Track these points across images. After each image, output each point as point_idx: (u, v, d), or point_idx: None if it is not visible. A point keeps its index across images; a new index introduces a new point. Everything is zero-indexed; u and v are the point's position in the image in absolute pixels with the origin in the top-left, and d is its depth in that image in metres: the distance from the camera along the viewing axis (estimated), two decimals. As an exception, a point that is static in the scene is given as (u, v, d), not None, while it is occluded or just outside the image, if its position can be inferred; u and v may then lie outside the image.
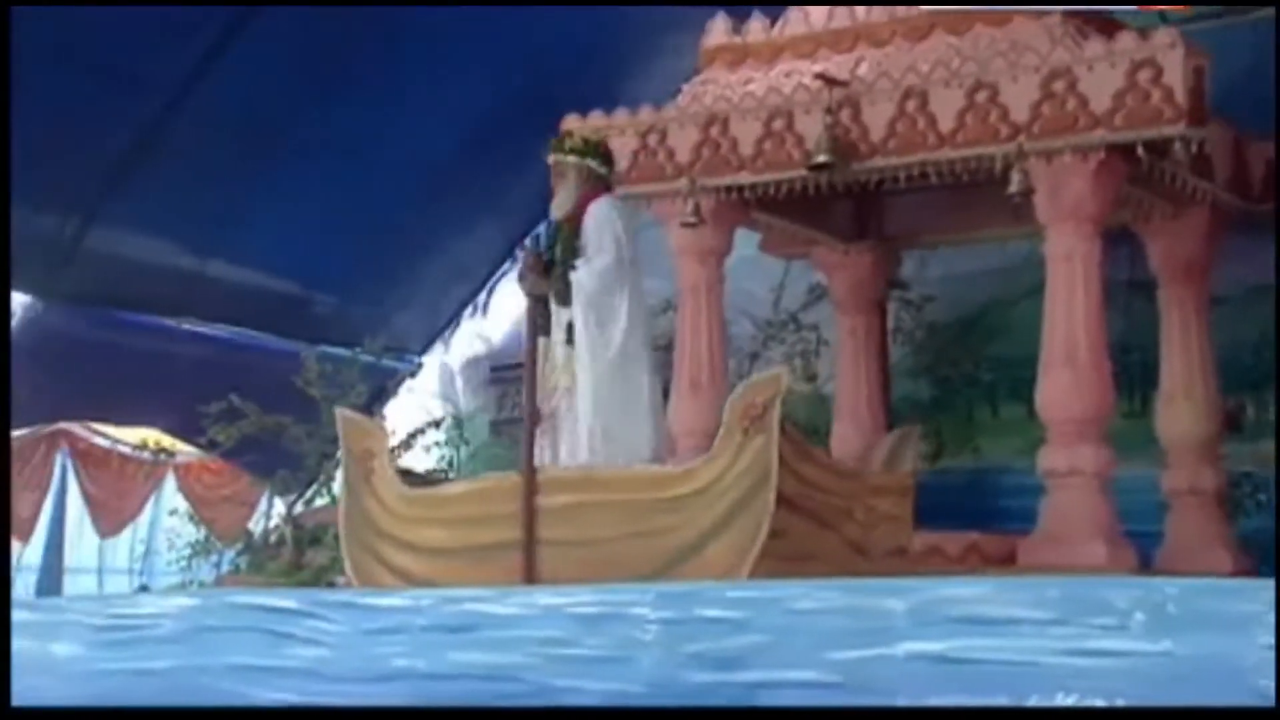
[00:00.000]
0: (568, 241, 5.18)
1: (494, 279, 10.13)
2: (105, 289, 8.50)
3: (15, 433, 8.72)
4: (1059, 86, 5.19)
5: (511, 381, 9.36)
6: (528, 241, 5.33)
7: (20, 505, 8.83)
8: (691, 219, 5.68)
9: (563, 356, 5.15)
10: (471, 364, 9.88)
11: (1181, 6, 5.36)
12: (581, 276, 5.11)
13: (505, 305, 10.08)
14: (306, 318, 9.29)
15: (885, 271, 6.92)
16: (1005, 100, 5.26)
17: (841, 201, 6.49)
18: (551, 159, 5.32)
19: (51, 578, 8.99)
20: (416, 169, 8.74)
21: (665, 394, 5.65)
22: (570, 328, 5.14)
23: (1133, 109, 5.08)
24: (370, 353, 8.57)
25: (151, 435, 9.40)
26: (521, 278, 5.23)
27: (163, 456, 9.44)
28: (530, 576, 4.69)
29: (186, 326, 9.00)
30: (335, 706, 4.41)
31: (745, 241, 6.57)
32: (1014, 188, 5.15)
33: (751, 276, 7.72)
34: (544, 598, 4.00)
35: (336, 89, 8.09)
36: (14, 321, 8.41)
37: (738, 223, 6.14)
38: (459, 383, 9.75)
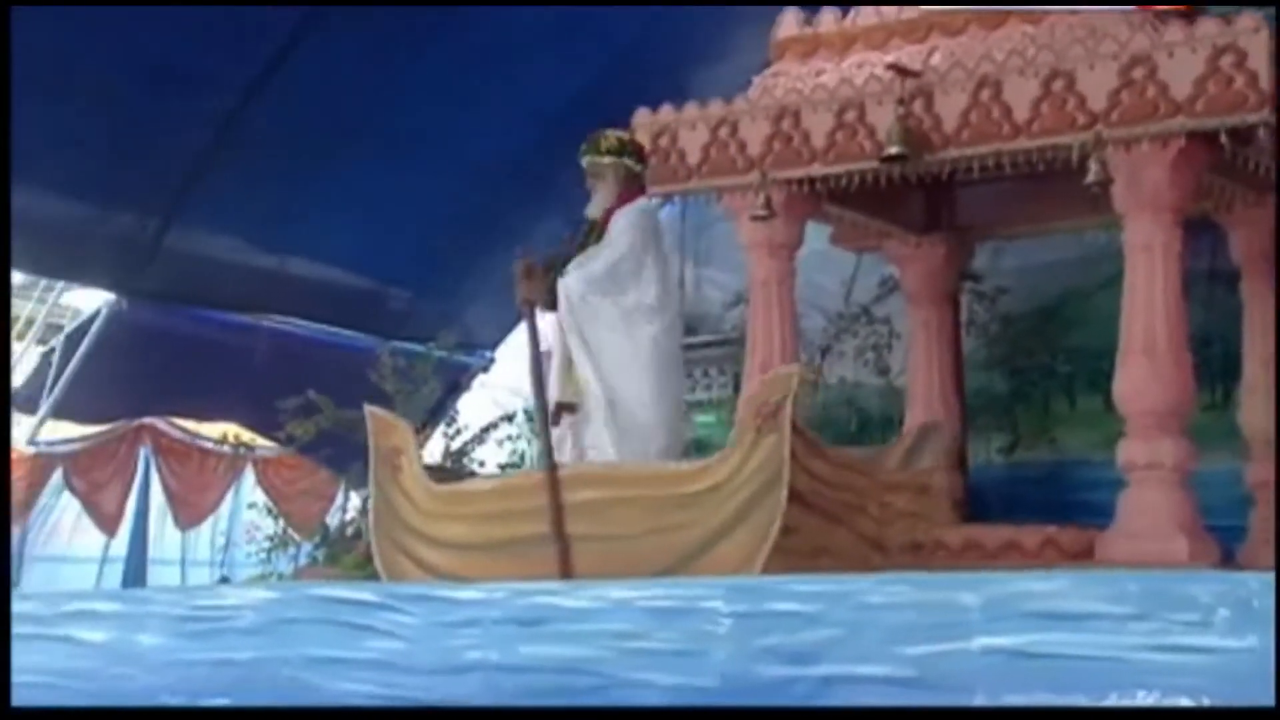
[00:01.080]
0: (592, 243, 5.27)
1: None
2: (186, 286, 8.66)
3: (100, 428, 8.93)
4: (1138, 74, 5.09)
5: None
6: (518, 249, 5.39)
7: (105, 500, 9.03)
8: (762, 212, 5.65)
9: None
10: (543, 357, 9.91)
11: (1182, 6, 5.26)
12: (568, 280, 5.21)
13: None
14: (381, 313, 9.40)
15: (958, 263, 6.83)
16: (1082, 88, 5.17)
17: (914, 193, 6.42)
18: (587, 160, 5.40)
19: (137, 570, 9.17)
20: (488, 164, 8.79)
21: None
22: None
23: (1215, 95, 4.97)
24: (443, 348, 8.65)
25: (231, 430, 9.56)
26: (515, 286, 5.28)
27: (242, 451, 9.60)
28: (566, 571, 4.76)
29: (265, 323, 9.14)
30: (336, 707, 4.48)
31: (816, 234, 6.53)
32: (1091, 177, 5.06)
33: (823, 269, 7.68)
34: (615, 591, 4.00)
35: (409, 84, 8.16)
36: (98, 319, 8.59)
37: (809, 215, 6.09)
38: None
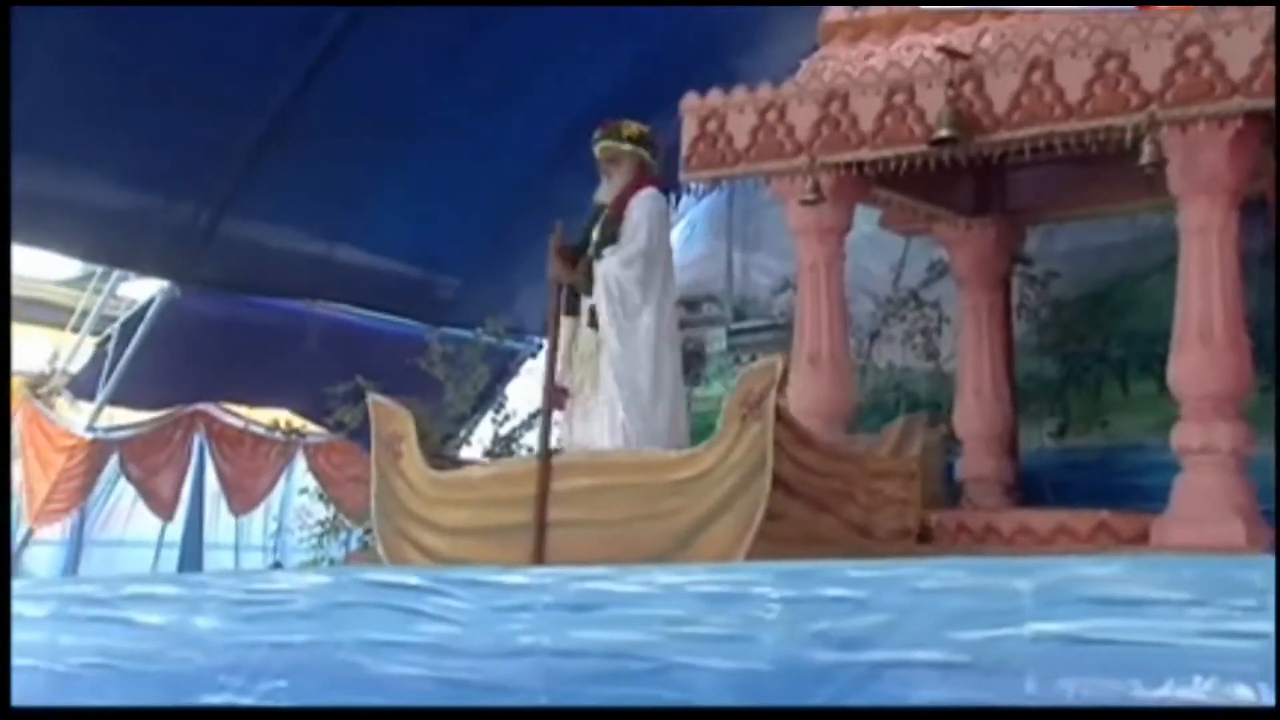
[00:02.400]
0: (607, 228, 5.32)
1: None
2: (239, 274, 8.74)
3: (155, 414, 9.04)
4: (1194, 53, 5.01)
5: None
6: (557, 222, 5.48)
7: (160, 485, 9.14)
8: (811, 196, 5.62)
9: (588, 343, 5.30)
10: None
11: (1182, 6, 5.18)
12: (608, 265, 5.26)
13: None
14: (430, 300, 9.44)
15: (1009, 247, 6.77)
16: (1136, 69, 5.09)
17: (964, 176, 6.36)
18: (603, 145, 5.47)
19: (193, 554, 9.28)
20: (535, 151, 8.80)
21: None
22: (593, 314, 5.27)
23: (1273, 74, 4.89)
24: (492, 334, 8.68)
25: (282, 416, 9.65)
26: (548, 263, 5.37)
27: (292, 437, 9.68)
28: (539, 557, 4.87)
29: (315, 310, 9.21)
30: (335, 707, 4.53)
31: (865, 218, 6.49)
32: (1146, 159, 4.99)
33: (871, 254, 7.64)
34: (665, 576, 4.01)
35: (457, 73, 8.18)
36: (153, 307, 8.70)
37: (857, 199, 6.05)
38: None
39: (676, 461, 4.85)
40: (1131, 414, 7.03)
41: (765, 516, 4.54)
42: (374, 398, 5.60)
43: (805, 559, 4.18)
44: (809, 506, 4.75)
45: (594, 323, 5.30)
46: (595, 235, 5.36)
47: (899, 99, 5.55)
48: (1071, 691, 3.06)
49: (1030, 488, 6.60)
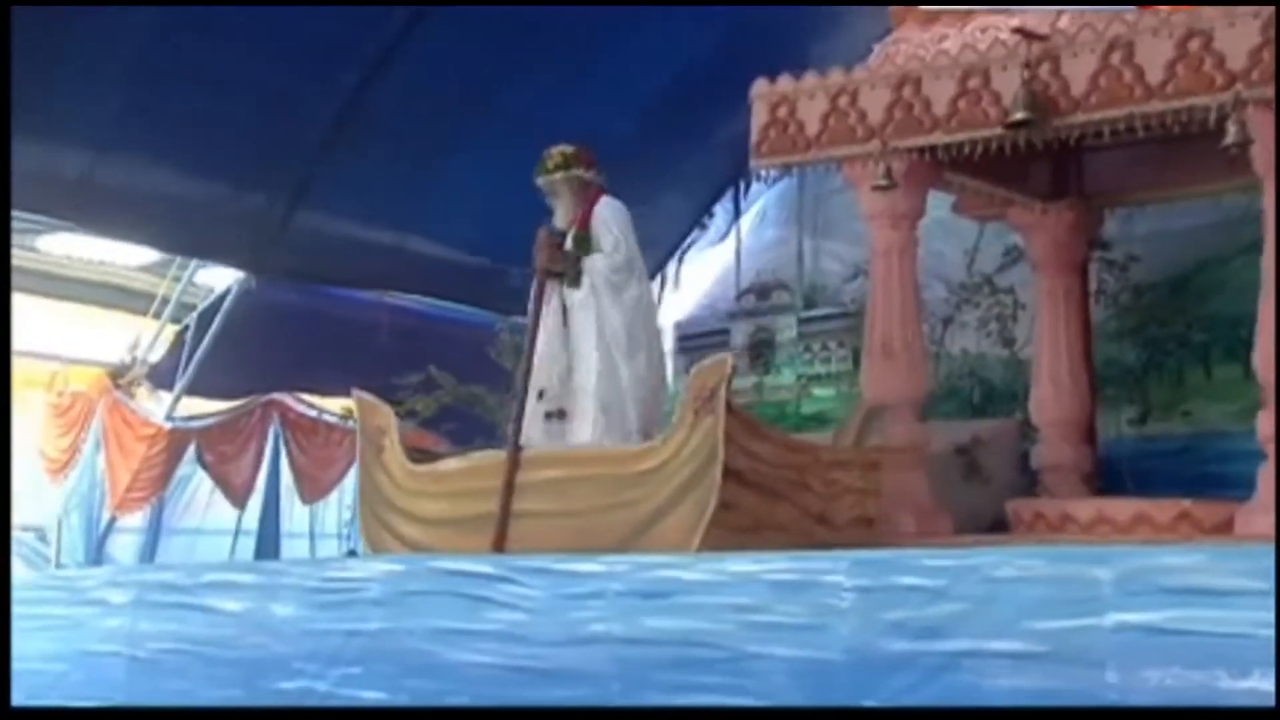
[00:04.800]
0: (580, 243, 5.57)
1: (681, 249, 10.16)
2: (312, 264, 8.84)
3: (230, 403, 9.17)
4: None
5: (699, 350, 9.39)
6: (544, 221, 5.71)
7: (234, 473, 9.27)
8: (883, 182, 5.57)
9: (561, 341, 5.51)
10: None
11: (1182, 6, 5.05)
12: (598, 264, 5.50)
13: (694, 275, 10.11)
14: (500, 290, 9.47)
15: (1086, 231, 6.67)
16: (1220, 47, 4.98)
17: (1040, 160, 6.27)
18: (541, 181, 5.69)
19: (269, 542, 9.41)
20: (602, 140, 8.79)
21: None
22: (565, 312, 5.50)
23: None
24: (561, 324, 8.67)
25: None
26: (536, 253, 5.54)
27: (365, 426, 9.76)
28: (499, 545, 5.09)
29: (387, 300, 9.29)
30: (336, 707, 4.57)
31: (938, 203, 6.42)
32: (1230, 139, 4.88)
33: (945, 239, 7.57)
34: (736, 564, 4.00)
35: (526, 63, 8.20)
36: (228, 298, 8.82)
37: (931, 185, 5.99)
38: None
39: (636, 454, 5.03)
40: (1214, 400, 6.90)
41: (719, 506, 4.71)
42: (358, 394, 5.84)
43: (760, 547, 4.40)
44: (763, 496, 4.90)
45: (566, 323, 5.53)
46: (571, 247, 5.58)
47: (973, 82, 5.47)
48: (1154, 682, 3.01)
49: (1109, 476, 6.50)
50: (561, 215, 5.67)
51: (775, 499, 4.95)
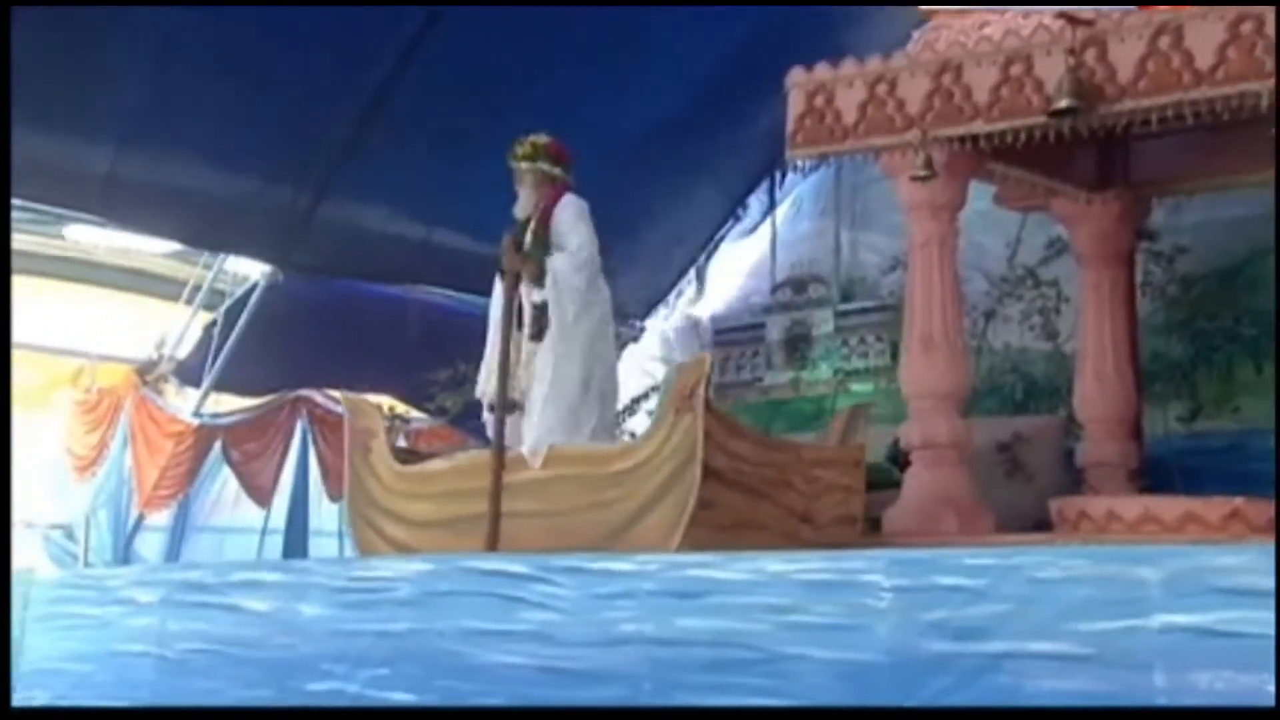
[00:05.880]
0: (537, 238, 5.64)
1: (715, 241, 10.15)
2: (339, 258, 8.88)
3: (258, 400, 9.23)
4: (1336, 12, 4.84)
5: (736, 344, 9.38)
6: (509, 227, 5.83)
7: (258, 471, 9.31)
8: (923, 172, 5.54)
9: (526, 350, 5.59)
10: (690, 328, 9.93)
11: (1182, 6, 4.98)
12: (560, 263, 5.58)
13: (727, 268, 10.09)
14: (530, 284, 9.48)
15: (1133, 221, 6.61)
16: (1273, 31, 4.93)
17: (1085, 148, 6.22)
18: (510, 164, 5.80)
19: (297, 540, 9.46)
20: (635, 133, 8.80)
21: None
22: (522, 315, 5.59)
23: None
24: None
25: (385, 402, 9.78)
26: (502, 255, 5.66)
27: (395, 423, 9.80)
28: (492, 544, 5.19)
29: (415, 294, 9.32)
30: (336, 707, 4.59)
31: (979, 194, 6.39)
32: (1282, 125, 4.84)
33: (986, 231, 7.52)
34: (772, 564, 4.00)
35: (556, 55, 8.20)
36: (256, 292, 8.88)
37: (972, 174, 5.96)
38: (676, 347, 9.82)
39: (618, 453, 5.16)
40: (1265, 396, 6.81)
41: (698, 505, 4.81)
42: (346, 395, 6.01)
43: (742, 546, 4.50)
44: (743, 494, 4.99)
45: (537, 334, 5.60)
46: (529, 243, 5.65)
47: (1016, 69, 5.44)
48: (1203, 686, 2.99)
49: (1156, 474, 6.45)
50: (521, 205, 5.76)
51: (757, 497, 5.04)
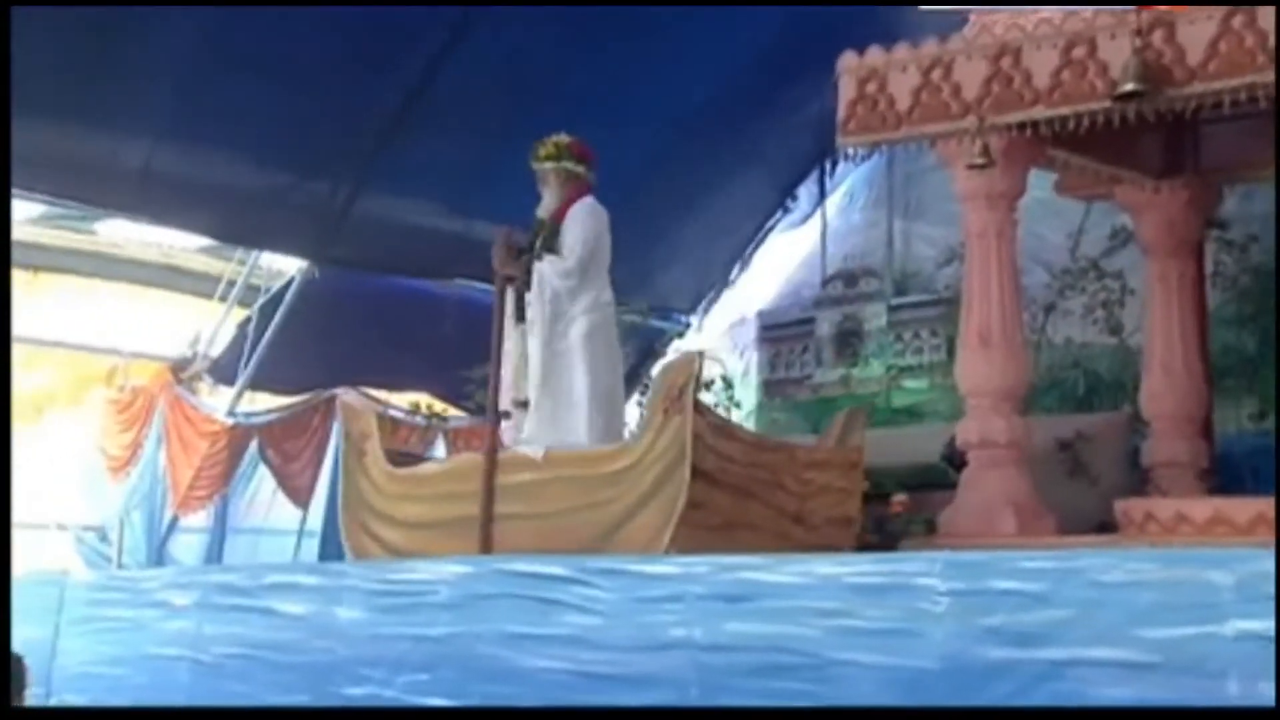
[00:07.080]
0: (548, 238, 5.74)
1: (761, 234, 10.11)
2: (376, 253, 8.92)
3: (294, 399, 9.28)
4: None
5: (784, 340, 9.34)
6: (504, 226, 5.97)
7: (296, 471, 9.34)
8: (980, 160, 5.49)
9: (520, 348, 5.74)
10: (739, 323, 9.91)
11: (1182, 6, 4.88)
12: (546, 270, 5.69)
13: (776, 261, 10.06)
14: (571, 278, 9.48)
15: (1202, 210, 6.53)
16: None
17: (1151, 134, 6.14)
18: (534, 166, 5.87)
19: (334, 542, 9.50)
20: (678, 124, 8.78)
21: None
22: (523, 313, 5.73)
23: None
24: (635, 313, 8.69)
25: (423, 400, 9.80)
26: (493, 256, 5.79)
27: (434, 422, 9.82)
28: (485, 546, 5.32)
29: (452, 290, 9.35)
30: (336, 708, 4.59)
31: (1039, 183, 6.32)
32: (1360, 107, 4.75)
33: (1046, 221, 7.47)
34: (822, 567, 3.97)
35: (594, 46, 8.20)
36: (291, 288, 8.93)
37: (1031, 162, 5.90)
38: (726, 342, 9.80)
39: (609, 455, 5.25)
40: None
41: (688, 505, 4.90)
42: (341, 398, 6.12)
43: (732, 546, 4.57)
44: (733, 495, 5.08)
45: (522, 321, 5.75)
46: (538, 245, 5.77)
47: (1079, 52, 5.38)
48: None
49: (1227, 473, 6.37)
50: (545, 204, 5.82)
51: (747, 498, 5.13)
